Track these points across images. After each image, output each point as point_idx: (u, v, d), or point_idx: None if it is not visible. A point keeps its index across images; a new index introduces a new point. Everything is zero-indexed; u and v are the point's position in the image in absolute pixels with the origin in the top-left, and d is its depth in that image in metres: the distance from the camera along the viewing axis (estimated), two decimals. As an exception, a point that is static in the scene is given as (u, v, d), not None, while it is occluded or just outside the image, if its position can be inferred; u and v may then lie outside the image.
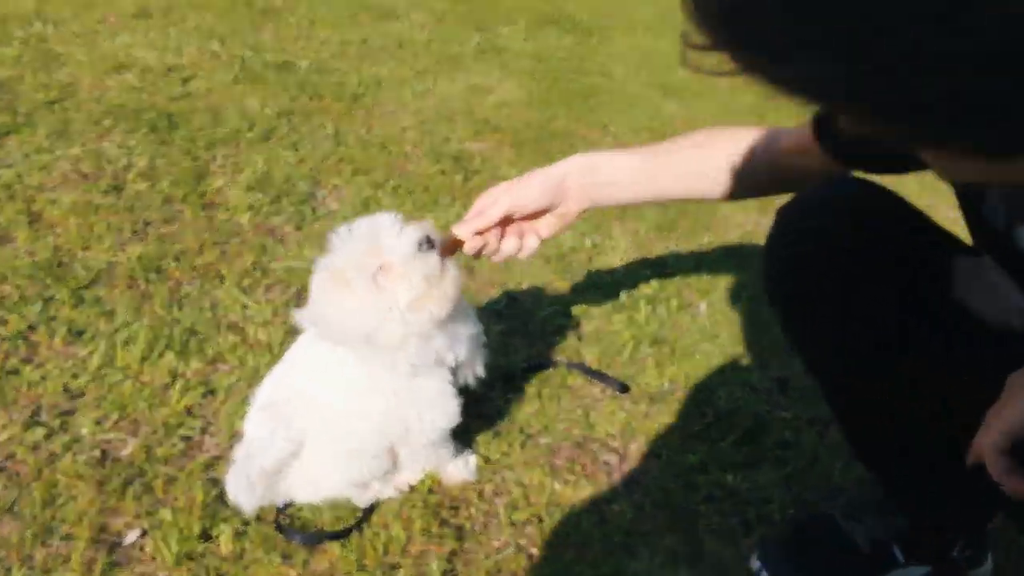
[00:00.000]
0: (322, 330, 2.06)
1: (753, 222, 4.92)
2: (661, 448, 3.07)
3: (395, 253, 1.97)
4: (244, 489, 2.23)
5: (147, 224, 3.84)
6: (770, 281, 2.20)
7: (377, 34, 7.07)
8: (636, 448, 3.07)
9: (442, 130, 5.41)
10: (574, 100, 6.45)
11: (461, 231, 2.08)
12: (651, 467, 2.99)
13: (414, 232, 2.00)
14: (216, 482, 2.58)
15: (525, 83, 6.61)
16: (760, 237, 4.65)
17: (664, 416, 3.21)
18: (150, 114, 4.83)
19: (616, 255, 4.34)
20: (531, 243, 2.20)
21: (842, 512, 2.60)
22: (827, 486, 2.98)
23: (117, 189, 4.07)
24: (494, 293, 3.81)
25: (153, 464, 2.63)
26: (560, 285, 3.97)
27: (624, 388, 3.30)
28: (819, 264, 2.06)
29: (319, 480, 2.33)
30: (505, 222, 2.13)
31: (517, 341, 3.49)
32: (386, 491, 2.49)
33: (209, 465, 2.65)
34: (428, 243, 2.01)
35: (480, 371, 2.45)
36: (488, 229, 2.10)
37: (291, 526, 2.41)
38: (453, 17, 7.92)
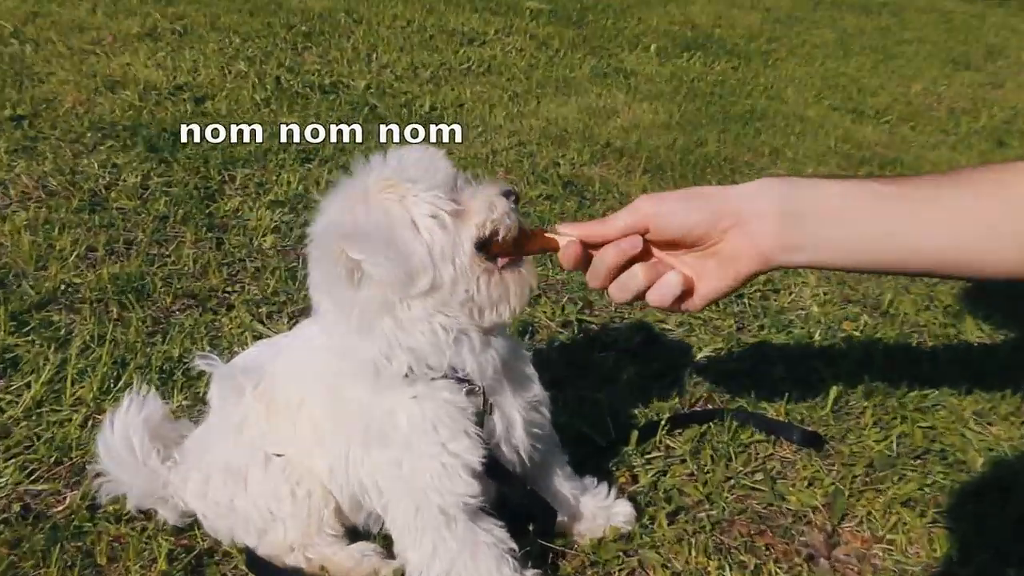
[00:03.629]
0: (354, 239, 1.92)
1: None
2: (896, 527, 2.64)
3: (477, 195, 1.98)
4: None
5: (130, 244, 3.70)
6: None
7: (459, 59, 7.18)
8: (852, 527, 2.65)
9: (548, 153, 5.30)
10: (732, 124, 6.32)
11: (563, 230, 1.92)
12: (881, 553, 2.54)
13: (497, 184, 2.03)
14: (190, 550, 2.31)
15: (663, 106, 6.56)
16: None
17: (893, 487, 2.79)
18: (148, 132, 4.81)
19: (805, 292, 3.94)
20: (669, 284, 1.85)
21: None
22: None
23: (94, 207, 3.97)
24: (621, 329, 3.50)
25: (98, 523, 2.36)
26: (722, 324, 3.59)
27: (815, 439, 2.97)
28: None
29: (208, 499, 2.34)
30: (644, 253, 1.86)
31: (660, 387, 3.14)
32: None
33: (182, 530, 2.37)
34: (515, 198, 2.01)
35: (523, 445, 2.23)
36: (603, 241, 1.85)
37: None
38: (560, 42, 8.04)
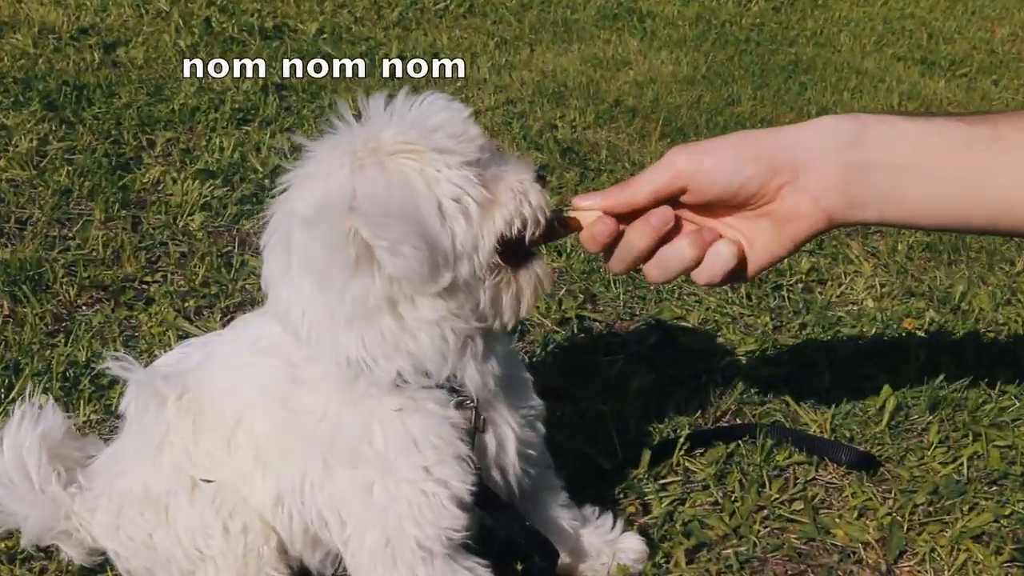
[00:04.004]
0: (373, 219, 1.84)
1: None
2: (965, 567, 2.68)
3: (504, 178, 1.96)
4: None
5: (24, 224, 3.74)
6: None
7: (434, -3, 7.21)
8: (912, 567, 2.69)
9: (544, 113, 5.38)
10: (771, 77, 6.38)
11: (582, 204, 1.95)
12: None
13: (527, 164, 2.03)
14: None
15: (686, 56, 6.64)
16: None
17: (963, 519, 2.83)
18: (45, 86, 4.86)
19: (857, 283, 3.99)
20: (720, 257, 1.89)
21: None
22: None
23: (-24, 179, 4.03)
24: (631, 327, 3.55)
25: (-15, 565, 2.38)
26: (755, 321, 3.64)
27: (867, 461, 2.99)
28: None
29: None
30: (679, 222, 1.92)
31: (679, 398, 3.19)
32: None
33: (89, 571, 2.41)
34: (543, 179, 1.99)
35: (514, 467, 2.26)
36: (632, 211, 1.89)
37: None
38: (562, -24, 8.07)
